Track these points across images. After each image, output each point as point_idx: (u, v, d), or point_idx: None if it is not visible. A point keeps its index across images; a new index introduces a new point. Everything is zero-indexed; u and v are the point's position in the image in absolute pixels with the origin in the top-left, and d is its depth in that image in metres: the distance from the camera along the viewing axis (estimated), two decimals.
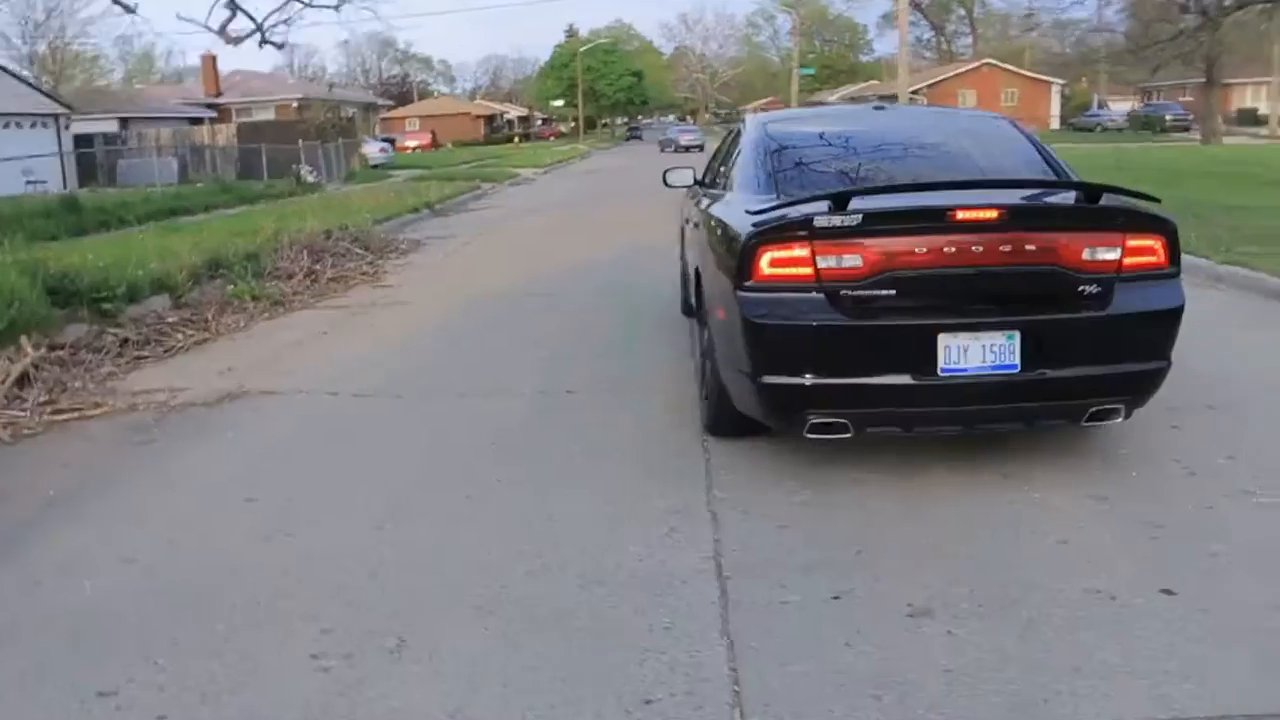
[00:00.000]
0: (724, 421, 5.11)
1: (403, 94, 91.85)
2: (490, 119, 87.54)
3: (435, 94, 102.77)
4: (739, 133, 6.34)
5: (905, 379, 4.28)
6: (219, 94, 40.75)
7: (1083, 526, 4.09)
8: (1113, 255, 4.37)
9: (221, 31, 12.22)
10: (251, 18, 11.80)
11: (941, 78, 61.22)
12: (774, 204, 4.57)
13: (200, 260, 10.43)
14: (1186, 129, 54.19)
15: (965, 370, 4.26)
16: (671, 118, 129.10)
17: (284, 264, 11.31)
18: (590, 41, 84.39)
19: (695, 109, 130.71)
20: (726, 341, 4.70)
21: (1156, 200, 4.70)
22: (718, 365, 4.94)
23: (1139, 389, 4.55)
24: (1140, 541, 3.96)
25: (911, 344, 4.27)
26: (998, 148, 5.56)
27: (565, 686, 3.01)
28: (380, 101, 54.43)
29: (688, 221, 7.10)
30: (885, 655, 3.15)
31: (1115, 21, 54.10)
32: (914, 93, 45.97)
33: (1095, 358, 4.40)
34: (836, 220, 4.21)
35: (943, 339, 4.24)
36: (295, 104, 37.09)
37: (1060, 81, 64.26)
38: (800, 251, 4.29)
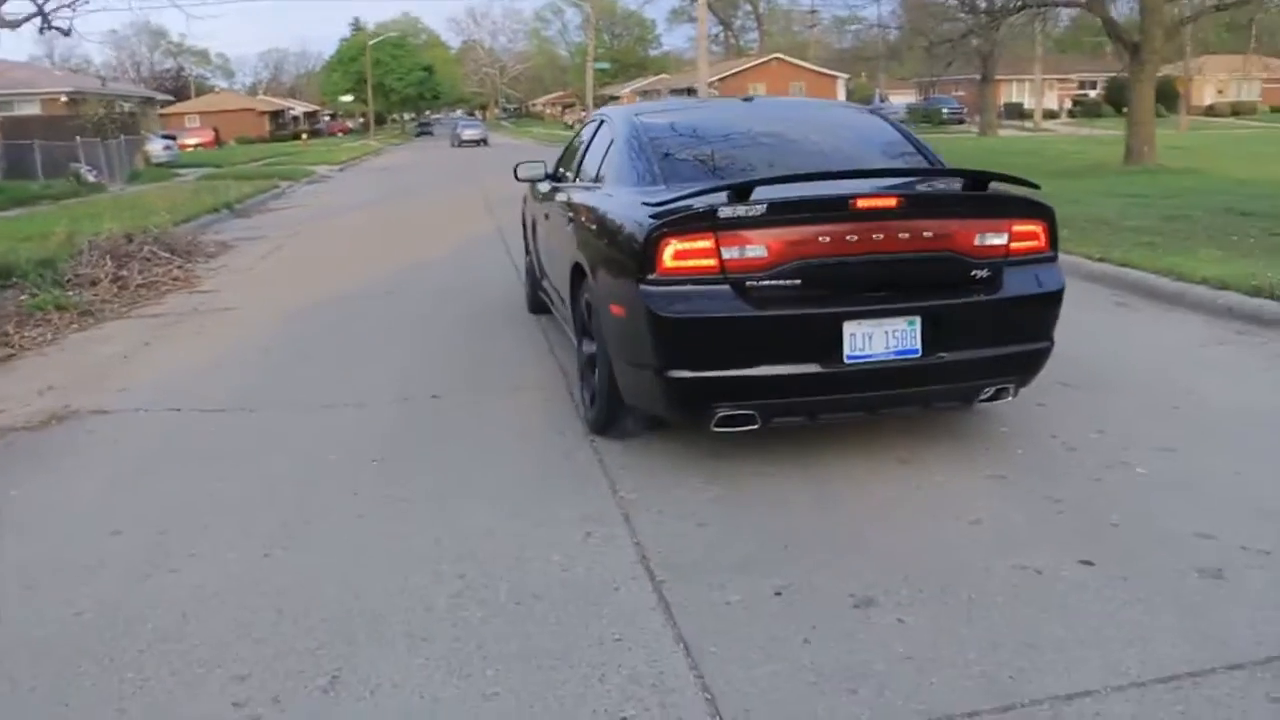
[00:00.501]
0: (615, 421, 5.00)
1: (179, 89, 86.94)
2: (276, 115, 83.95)
3: (215, 89, 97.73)
4: (601, 124, 6.30)
5: (813, 368, 4.28)
6: None
7: (990, 505, 4.19)
8: (1001, 240, 4.49)
9: None
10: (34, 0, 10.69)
11: (733, 71, 62.77)
12: (672, 196, 4.47)
13: None
14: (961, 121, 57.68)
15: (870, 356, 4.29)
16: (459, 112, 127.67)
17: (85, 271, 10.43)
18: (379, 35, 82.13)
19: (485, 104, 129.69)
20: (624, 337, 4.56)
21: (1036, 187, 4.85)
22: (609, 362, 4.79)
23: (1027, 368, 4.72)
24: (1047, 516, 4.08)
25: (818, 333, 4.27)
26: (874, 138, 5.72)
27: (536, 713, 2.81)
28: (158, 96, 51.15)
29: (544, 217, 6.90)
30: (846, 648, 3.11)
31: (890, 21, 56.99)
32: (708, 85, 46.94)
33: (989, 340, 4.51)
34: (740, 210, 4.18)
35: (848, 327, 4.26)
36: (65, 98, 34.36)
37: (845, 76, 67.04)
38: (704, 243, 4.22)
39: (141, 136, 34.64)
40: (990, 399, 4.64)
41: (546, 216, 6.80)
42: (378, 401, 5.94)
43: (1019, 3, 21.71)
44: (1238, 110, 63.98)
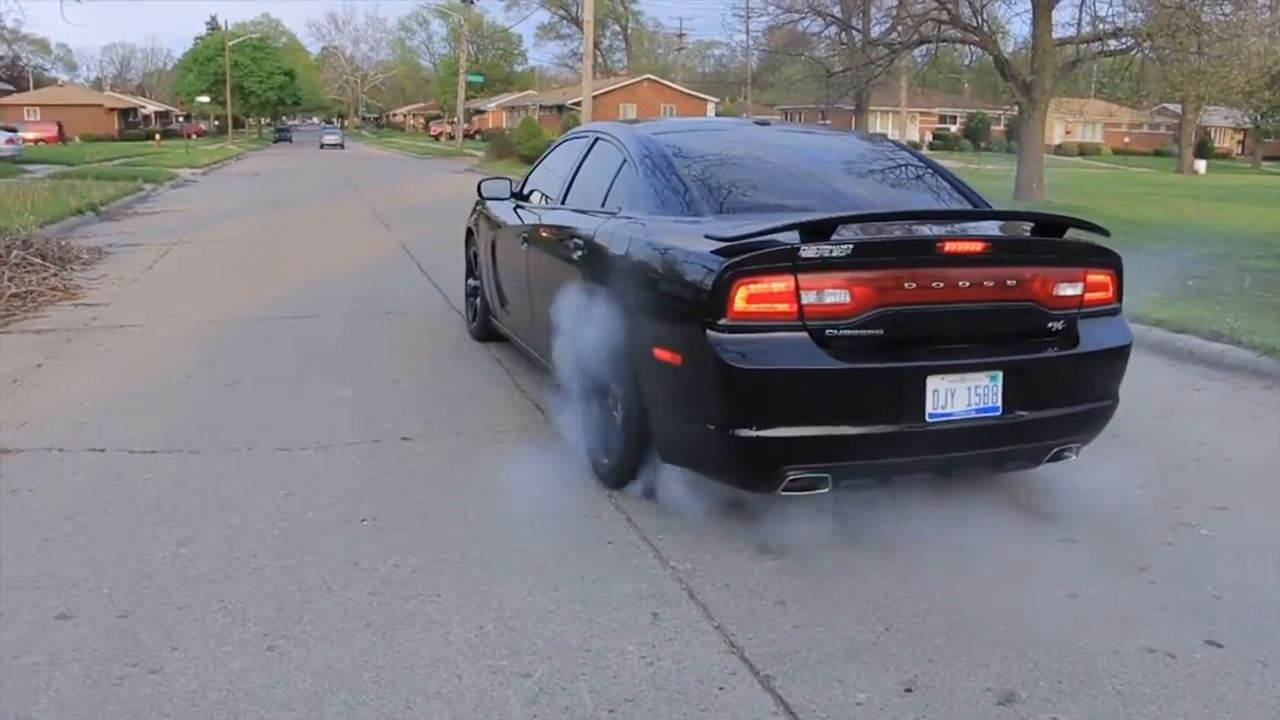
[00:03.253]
0: (636, 476, 4.42)
1: (15, 78, 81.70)
2: (126, 113, 79.67)
3: (58, 82, 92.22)
4: (597, 141, 5.68)
5: (894, 427, 3.80)
6: None
7: (1076, 575, 3.79)
8: (1075, 291, 4.14)
9: None
10: None
11: (604, 90, 62.50)
12: (736, 231, 3.90)
13: None
14: None
15: (951, 415, 3.86)
16: (316, 119, 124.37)
17: None
18: (238, 35, 79.00)
19: (345, 112, 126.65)
20: (677, 388, 4.01)
21: (1107, 234, 4.45)
22: (639, 411, 4.21)
23: (1095, 427, 4.35)
24: (1141, 587, 3.74)
25: (901, 388, 3.82)
26: (914, 173, 5.29)
27: None
28: None
29: (519, 241, 6.18)
30: None
31: (754, 47, 57.99)
32: (576, 103, 46.59)
33: (1063, 397, 4.15)
34: (825, 250, 3.67)
35: (931, 382, 3.81)
36: None
37: (715, 100, 67.77)
38: (783, 285, 3.70)
39: None
40: (1053, 459, 4.26)
41: (522, 241, 6.09)
42: (339, 443, 5.19)
43: (917, 38, 21.99)
44: (1084, 150, 67.39)
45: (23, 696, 2.91)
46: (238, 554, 3.85)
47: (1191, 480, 4.91)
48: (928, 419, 3.82)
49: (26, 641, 3.21)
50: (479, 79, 69.70)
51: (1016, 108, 22.51)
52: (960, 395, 3.87)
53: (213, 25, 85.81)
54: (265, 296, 9.63)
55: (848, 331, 3.75)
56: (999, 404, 3.93)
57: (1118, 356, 4.31)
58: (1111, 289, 4.30)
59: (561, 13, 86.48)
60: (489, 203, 7.08)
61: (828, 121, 63.75)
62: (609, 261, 4.59)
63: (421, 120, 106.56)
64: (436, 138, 78.42)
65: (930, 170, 5.35)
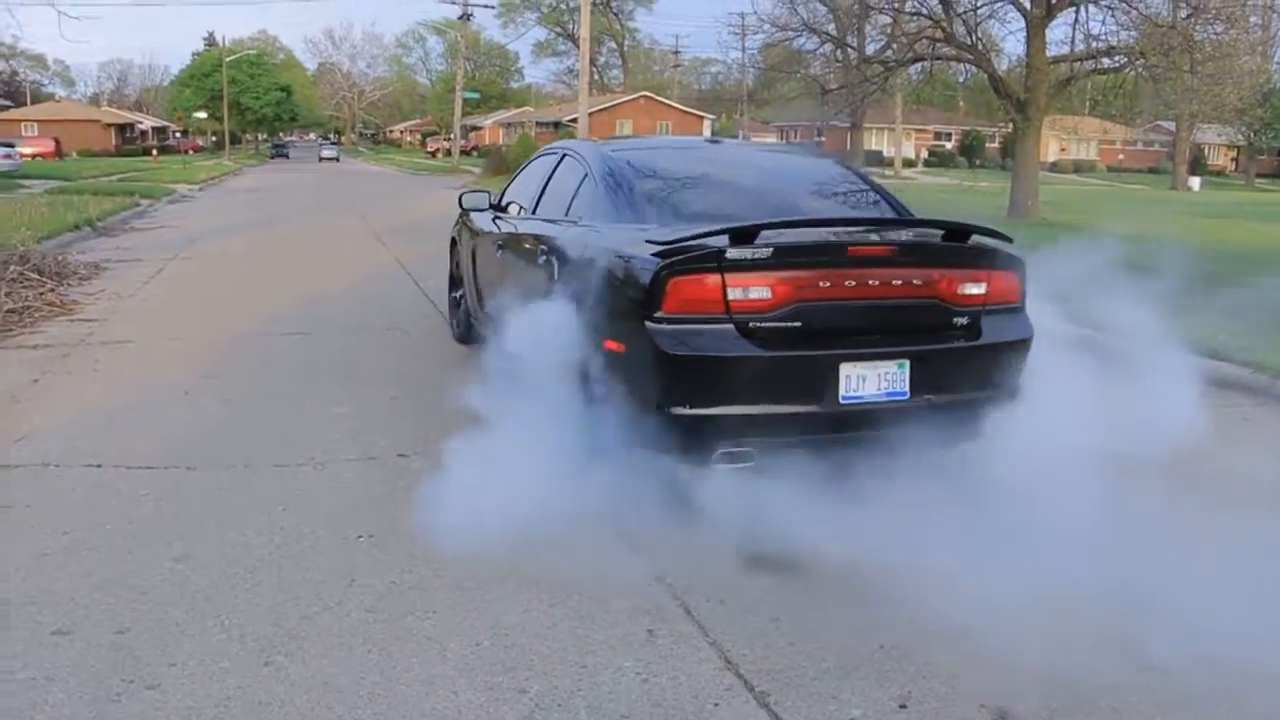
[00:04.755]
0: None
1: (12, 93, 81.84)
2: (123, 129, 79.78)
3: (55, 97, 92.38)
4: (564, 158, 6.21)
5: (811, 407, 4.27)
6: None
7: (1067, 594, 3.78)
8: (979, 290, 4.58)
9: None
10: None
11: (602, 107, 62.64)
12: (674, 235, 4.39)
13: None
14: None
15: (863, 398, 4.32)
16: (313, 135, 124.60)
17: None
18: (235, 51, 79.15)
19: (341, 128, 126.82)
20: (626, 375, 4.40)
21: (1010, 240, 4.82)
22: (607, 399, 4.49)
23: (997, 412, 4.62)
24: (1130, 604, 3.70)
25: (817, 374, 4.27)
26: (845, 185, 5.83)
27: None
28: None
29: (495, 249, 6.65)
30: None
31: (750, 64, 58.27)
32: (572, 120, 46.74)
33: (967, 384, 4.55)
34: (747, 253, 4.15)
35: (844, 368, 4.27)
36: None
37: (711, 116, 67.96)
38: (711, 283, 4.18)
39: None
40: (960, 442, 4.54)
41: (499, 248, 6.55)
42: (336, 459, 5.20)
43: (911, 56, 22.11)
44: (1079, 167, 67.62)
45: (19, 712, 2.92)
46: (235, 570, 3.86)
47: None
48: (842, 401, 4.26)
49: (22, 657, 3.22)
50: (475, 95, 69.81)
51: (1011, 125, 22.62)
52: (871, 380, 4.32)
53: (210, 41, 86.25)
54: (262, 312, 9.64)
55: (769, 324, 4.20)
56: (907, 389, 4.36)
57: (1019, 349, 4.70)
58: (1016, 289, 4.75)
59: (558, 30, 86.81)
60: (470, 214, 7.59)
61: (823, 139, 63.93)
62: (568, 264, 5.01)
63: (418, 137, 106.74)
64: (433, 154, 78.52)
65: (863, 183, 5.87)
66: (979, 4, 21.57)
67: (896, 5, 23.18)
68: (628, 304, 4.35)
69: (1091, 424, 4.61)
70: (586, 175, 5.61)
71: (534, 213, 6.25)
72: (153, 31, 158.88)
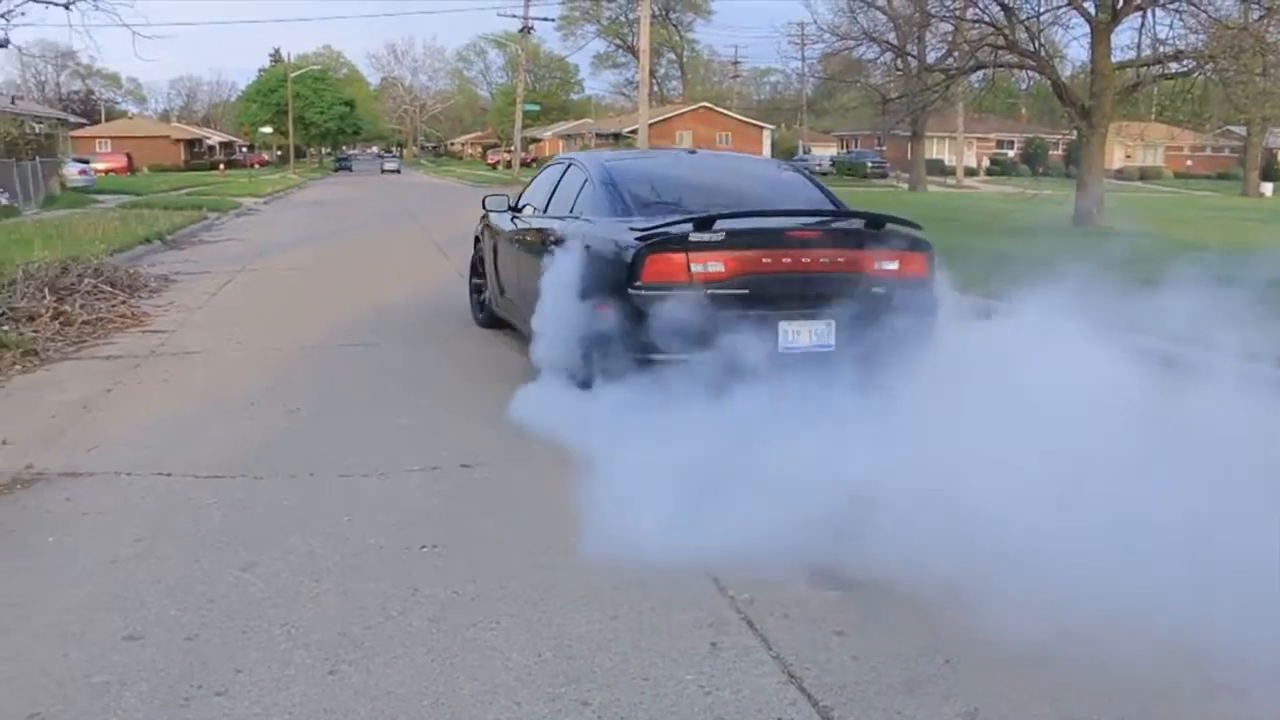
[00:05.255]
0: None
1: (88, 111, 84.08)
2: (192, 144, 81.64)
3: (127, 114, 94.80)
4: (570, 167, 7.60)
5: (758, 354, 5.28)
6: None
7: (1146, 608, 3.68)
8: (893, 266, 5.86)
9: None
10: None
11: (662, 118, 62.81)
12: (650, 224, 5.80)
13: None
14: (885, 175, 58.59)
15: (797, 347, 5.63)
16: (375, 149, 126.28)
17: (22, 304, 9.47)
18: (299, 67, 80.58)
19: (403, 141, 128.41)
20: (615, 332, 5.62)
21: (919, 227, 6.11)
22: (600, 351, 5.78)
23: (908, 363, 5.43)
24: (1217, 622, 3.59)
25: (762, 329, 5.46)
26: (793, 185, 7.32)
27: None
28: (71, 118, 49.08)
29: (513, 244, 7.93)
30: None
31: (810, 74, 58.06)
32: (632, 132, 46.93)
33: (883, 341, 5.51)
34: (706, 237, 5.53)
35: (783, 325, 5.59)
36: None
37: (770, 126, 67.76)
38: (679, 260, 5.57)
39: (57, 159, 33.01)
40: (877, 384, 5.22)
41: (517, 242, 7.78)
42: (399, 470, 5.25)
43: (973, 63, 21.86)
44: (1145, 175, 66.33)
45: (93, 715, 2.97)
46: (300, 579, 3.90)
47: None
48: (780, 350, 5.52)
49: (96, 661, 3.28)
50: (535, 108, 70.42)
51: (1075, 132, 22.25)
52: (804, 335, 5.66)
53: (276, 57, 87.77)
54: (326, 324, 9.78)
55: (723, 291, 5.54)
56: (832, 342, 5.65)
57: (927, 314, 5.89)
58: (926, 267, 6.01)
59: (618, 42, 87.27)
60: (491, 214, 8.87)
61: (883, 148, 63.47)
62: (571, 249, 6.31)
63: (479, 149, 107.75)
64: (494, 166, 79.22)
65: (810, 184, 7.34)
66: (1042, 10, 21.31)
67: (958, 13, 22.97)
68: (615, 277, 5.68)
69: None
70: (587, 180, 6.95)
71: (545, 212, 7.50)
72: (221, 49, 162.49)
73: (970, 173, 62.72)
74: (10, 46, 10.75)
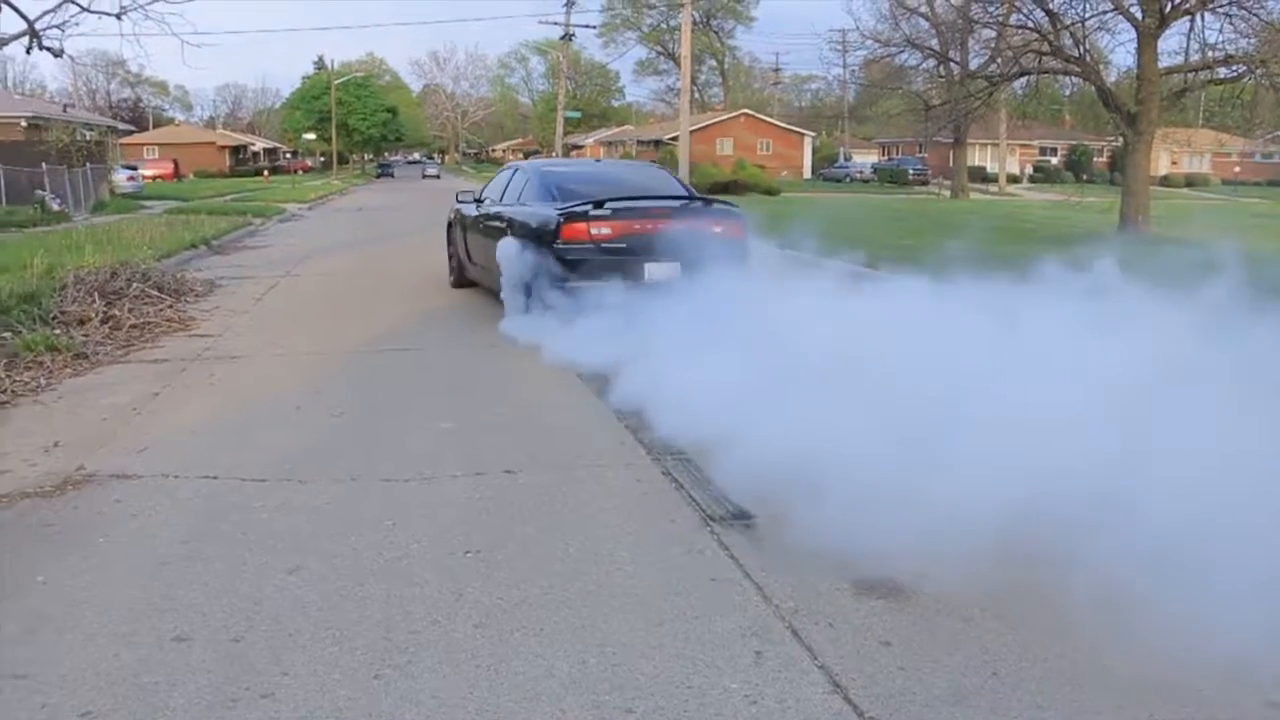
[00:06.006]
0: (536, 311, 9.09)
1: (136, 119, 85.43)
2: (236, 150, 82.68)
3: (174, 121, 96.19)
4: (516, 171, 11.35)
5: (633, 282, 8.55)
6: None
7: (1197, 621, 3.61)
8: (719, 230, 9.24)
9: None
10: (24, 16, 9.93)
11: (702, 125, 62.70)
12: (565, 206, 9.13)
13: None
14: (926, 182, 58.18)
15: (656, 279, 8.65)
16: (417, 155, 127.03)
17: (72, 308, 9.63)
18: (344, 74, 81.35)
19: (445, 148, 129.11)
20: (544, 272, 8.95)
21: (736, 205, 10.34)
22: (535, 287, 9.08)
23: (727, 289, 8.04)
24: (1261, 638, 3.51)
25: (635, 268, 8.74)
26: (662, 180, 11.06)
27: None
28: (121, 126, 49.84)
29: (477, 226, 11.20)
30: None
31: (851, 84, 57.88)
32: (673, 138, 46.88)
33: (713, 275, 7.93)
34: (599, 213, 8.91)
35: (647, 267, 8.77)
36: (24, 123, 33.18)
37: (812, 133, 67.46)
38: (582, 226, 8.90)
39: (107, 166, 33.55)
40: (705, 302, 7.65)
41: (480, 224, 11.07)
42: (443, 475, 5.26)
43: (1016, 69, 21.66)
44: (1191, 181, 65.38)
45: (143, 715, 3.00)
46: (345, 583, 3.92)
47: None
48: (645, 281, 8.65)
49: (146, 662, 3.32)
50: (577, 115, 70.58)
51: (1120, 139, 21.98)
52: (661, 272, 8.69)
53: (319, 65, 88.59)
54: (369, 328, 9.85)
55: (611, 245, 8.82)
56: (678, 276, 8.48)
57: (740, 257, 8.97)
58: (740, 229, 9.43)
59: (659, 49, 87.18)
60: (461, 205, 12.18)
61: (924, 155, 62.97)
62: (516, 224, 9.72)
63: (520, 155, 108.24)
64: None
65: (674, 179, 11.48)
66: (1087, 15, 21.05)
67: (1001, 19, 22.76)
68: (544, 239, 9.02)
69: None
70: (528, 180, 10.54)
71: (500, 201, 10.88)
72: (265, 56, 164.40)
73: (1013, 180, 62.11)
74: (64, 56, 10.94)
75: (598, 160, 16.85)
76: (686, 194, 10.24)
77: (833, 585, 3.91)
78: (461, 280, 12.38)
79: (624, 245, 8.73)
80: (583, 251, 8.76)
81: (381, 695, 3.12)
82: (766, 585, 3.91)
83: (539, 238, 9.03)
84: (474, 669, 3.26)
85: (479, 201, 11.46)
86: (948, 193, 49.83)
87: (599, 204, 8.90)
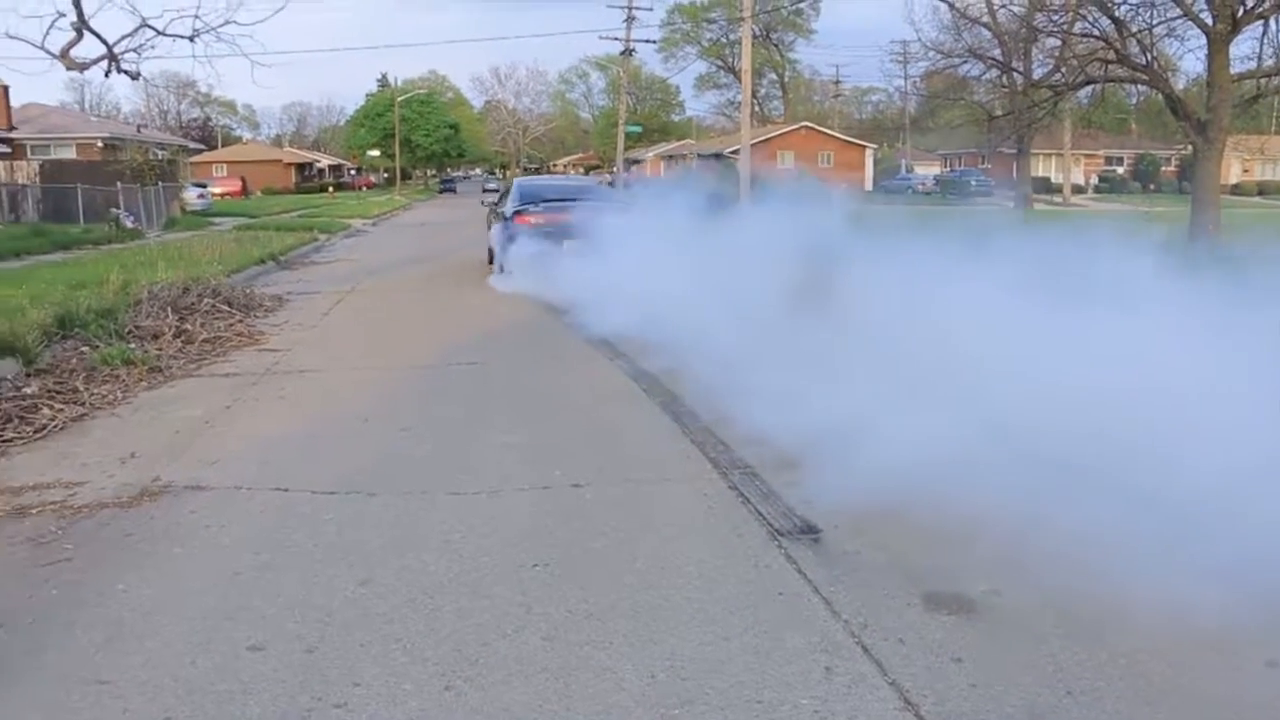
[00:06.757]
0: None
1: (206, 138, 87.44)
2: (302, 167, 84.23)
3: (242, 139, 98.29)
4: (510, 183, 19.24)
5: (555, 248, 14.14)
6: (12, 128, 36.91)
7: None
8: (615, 219, 14.29)
9: (63, 56, 10.60)
10: (104, 41, 10.25)
11: (764, 138, 62.50)
12: (520, 206, 15.34)
13: (48, 317, 8.91)
14: (988, 194, 57.40)
15: (571, 249, 13.93)
16: (478, 171, 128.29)
17: (146, 323, 9.88)
18: (407, 91, 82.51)
19: (506, 163, 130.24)
20: (508, 242, 14.86)
21: (631, 204, 16.71)
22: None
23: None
24: None
25: (558, 240, 14.29)
26: (593, 188, 18.96)
27: None
28: (191, 145, 51.06)
29: (499, 219, 16.11)
30: None
31: (912, 95, 57.38)
32: (734, 152, 46.81)
33: (593, 240, 13.43)
34: (534, 208, 15.23)
35: (565, 243, 14.18)
36: (101, 144, 34.14)
37: (873, 146, 66.96)
38: (527, 218, 14.99)
39: (178, 184, 34.38)
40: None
41: (488, 216, 18.18)
42: (510, 488, 5.30)
43: (1082, 78, 21.33)
44: (1264, 189, 63.80)
45: None
46: (415, 595, 3.96)
47: None
48: (563, 250, 14.09)
49: (221, 670, 3.38)
50: (637, 129, 70.84)
51: (1189, 147, 21.53)
52: (573, 246, 14.01)
53: (383, 82, 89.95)
54: (434, 343, 9.97)
55: (543, 229, 14.66)
56: (584, 249, 13.52)
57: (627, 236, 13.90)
58: (627, 218, 14.60)
59: (719, 63, 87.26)
60: (491, 210, 18.24)
61: (987, 166, 62.17)
62: (498, 214, 16.61)
63: (581, 170, 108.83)
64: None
65: (602, 187, 21.57)
66: (1155, 21, 20.68)
67: (1065, 27, 22.46)
68: (509, 224, 15.09)
69: None
70: (511, 188, 16.85)
71: (498, 203, 17.29)
72: (330, 75, 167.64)
73: (1078, 190, 61.08)
74: (139, 78, 11.32)
75: (552, 175, 27.28)
76: (603, 196, 17.52)
77: (902, 600, 3.87)
78: (490, 255, 17.09)
79: (551, 229, 14.44)
80: (526, 232, 14.53)
81: (453, 707, 3.14)
82: (835, 600, 3.88)
83: (505, 222, 15.22)
84: (544, 682, 3.27)
85: (500, 205, 17.05)
86: (1011, 204, 49.15)
87: (534, 202, 15.24)
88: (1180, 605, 3.78)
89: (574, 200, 15.41)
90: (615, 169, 63.57)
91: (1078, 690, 3.23)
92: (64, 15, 9.94)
